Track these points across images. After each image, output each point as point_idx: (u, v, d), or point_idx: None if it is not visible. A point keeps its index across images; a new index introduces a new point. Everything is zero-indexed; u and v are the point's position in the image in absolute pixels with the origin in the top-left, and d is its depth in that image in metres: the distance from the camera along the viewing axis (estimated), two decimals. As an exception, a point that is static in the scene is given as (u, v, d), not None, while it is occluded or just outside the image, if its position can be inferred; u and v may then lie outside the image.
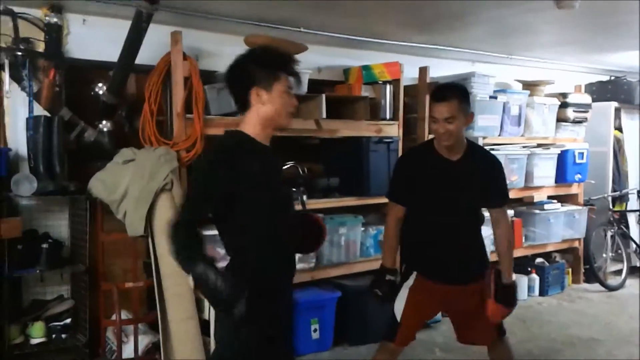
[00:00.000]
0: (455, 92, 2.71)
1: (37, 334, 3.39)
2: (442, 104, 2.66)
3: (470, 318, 2.86)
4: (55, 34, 3.60)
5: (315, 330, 4.25)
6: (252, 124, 2.09)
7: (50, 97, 3.60)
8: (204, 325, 3.43)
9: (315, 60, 4.64)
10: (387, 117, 4.65)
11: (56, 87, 3.62)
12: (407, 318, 2.82)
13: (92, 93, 3.83)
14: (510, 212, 5.47)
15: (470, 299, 2.82)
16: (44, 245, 3.37)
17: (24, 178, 3.30)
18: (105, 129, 3.76)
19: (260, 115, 2.07)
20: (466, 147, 2.79)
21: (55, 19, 3.57)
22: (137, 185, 3.38)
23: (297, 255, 3.94)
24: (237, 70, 2.10)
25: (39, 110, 3.55)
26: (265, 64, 2.06)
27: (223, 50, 4.21)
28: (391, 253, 2.87)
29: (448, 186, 2.76)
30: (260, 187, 2.06)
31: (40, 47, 3.57)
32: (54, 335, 3.44)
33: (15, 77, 3.51)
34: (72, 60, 3.69)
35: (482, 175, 2.79)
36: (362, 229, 4.51)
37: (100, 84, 3.80)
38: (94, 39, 3.72)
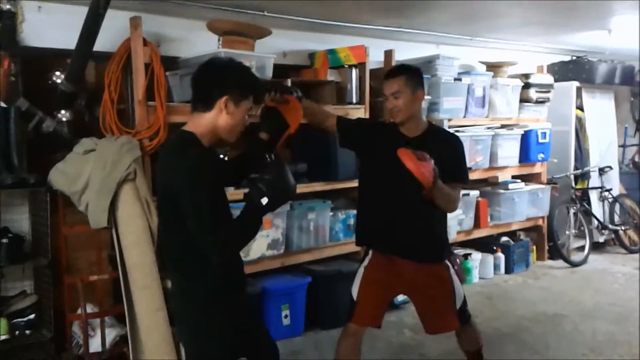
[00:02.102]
0: (402, 70, 2.85)
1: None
2: (390, 80, 2.81)
3: (433, 304, 2.87)
4: (9, 22, 3.45)
5: (286, 317, 4.25)
6: (205, 126, 2.09)
7: (6, 87, 3.46)
8: (172, 317, 3.38)
9: (280, 44, 4.59)
10: (354, 101, 4.63)
11: (12, 77, 3.48)
12: (363, 295, 2.86)
13: (50, 82, 3.72)
14: (476, 193, 5.56)
15: (427, 280, 2.82)
16: (4, 240, 3.27)
17: (-20, 171, 3.20)
18: (64, 119, 3.66)
19: (218, 123, 2.09)
20: (426, 127, 2.90)
21: (8, 6, 3.43)
22: (98, 175, 3.30)
23: (267, 242, 4.06)
24: (216, 71, 2.11)
25: (-6, 101, 3.44)
26: (244, 80, 2.12)
27: (185, 35, 4.14)
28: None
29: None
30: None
31: (-7, 35, 3.44)
32: (17, 332, 3.35)
33: (-32, 67, 3.38)
34: (27, 49, 3.55)
35: (438, 152, 2.75)
36: (331, 213, 4.50)
37: (58, 73, 3.69)
38: (50, 26, 3.59)
